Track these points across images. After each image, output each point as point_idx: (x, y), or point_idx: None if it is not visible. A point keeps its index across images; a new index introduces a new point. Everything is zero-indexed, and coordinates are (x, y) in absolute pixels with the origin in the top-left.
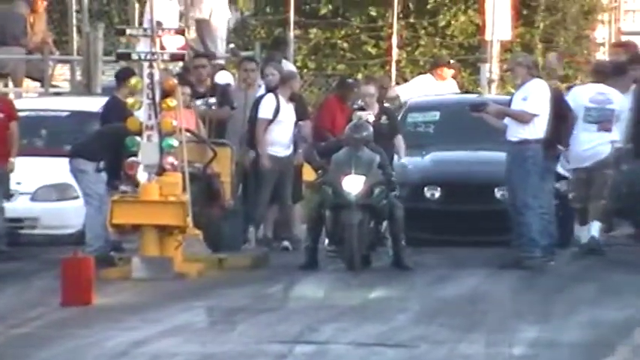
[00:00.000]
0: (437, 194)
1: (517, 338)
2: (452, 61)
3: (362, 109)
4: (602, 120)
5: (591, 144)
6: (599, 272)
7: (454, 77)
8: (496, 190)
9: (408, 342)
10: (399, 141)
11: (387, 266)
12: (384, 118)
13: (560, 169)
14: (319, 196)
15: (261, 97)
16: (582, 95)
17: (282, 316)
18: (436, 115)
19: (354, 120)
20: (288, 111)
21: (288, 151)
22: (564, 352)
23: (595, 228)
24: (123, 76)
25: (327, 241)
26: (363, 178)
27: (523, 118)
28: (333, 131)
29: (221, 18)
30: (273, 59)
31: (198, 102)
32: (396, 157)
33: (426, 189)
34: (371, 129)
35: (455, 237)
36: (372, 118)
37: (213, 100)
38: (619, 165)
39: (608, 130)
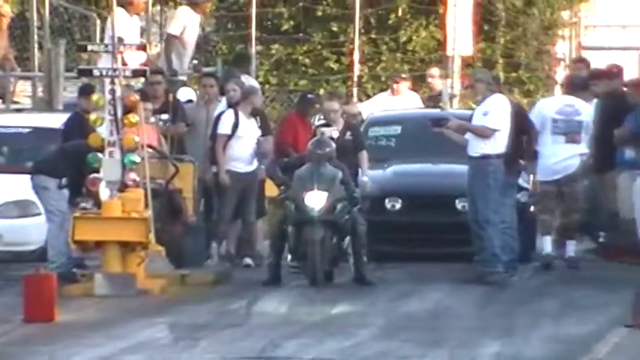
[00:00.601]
0: (397, 206)
1: (480, 353)
2: (403, 75)
3: (326, 125)
4: (570, 131)
5: (560, 157)
6: (561, 287)
7: (413, 89)
8: (457, 201)
9: (371, 357)
10: (363, 157)
11: (350, 282)
12: (348, 134)
13: (520, 181)
14: (282, 211)
15: (221, 113)
16: (548, 107)
17: (246, 332)
18: (397, 129)
19: (317, 136)
20: (248, 126)
21: (251, 167)
22: None
23: (571, 248)
24: (83, 92)
25: (289, 256)
26: (326, 194)
27: (484, 133)
28: (296, 147)
29: (192, 35)
30: (233, 75)
31: (153, 119)
32: (360, 171)
33: (387, 201)
34: (333, 145)
35: (416, 249)
36: (336, 134)
37: (165, 116)
38: (583, 179)
39: (577, 142)
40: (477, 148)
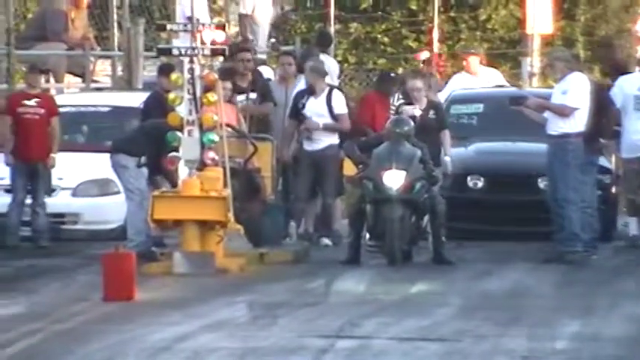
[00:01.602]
0: (480, 184)
1: (559, 332)
2: (472, 50)
3: (409, 103)
4: None
5: None
6: None
7: (493, 67)
8: (539, 180)
9: (450, 336)
10: (446, 136)
11: (428, 261)
12: (431, 113)
13: (603, 162)
14: (360, 190)
15: (298, 92)
16: (631, 84)
17: (324, 311)
18: (480, 107)
19: (398, 114)
20: (315, 105)
21: (318, 145)
22: (607, 346)
23: None
24: (162, 71)
25: (367, 235)
26: (404, 173)
27: (563, 112)
28: (374, 126)
29: (264, 13)
30: (311, 54)
31: (240, 97)
32: (442, 151)
33: (469, 179)
34: (412, 124)
35: (497, 227)
36: (418, 113)
37: (254, 95)
38: None
39: None
40: (556, 126)
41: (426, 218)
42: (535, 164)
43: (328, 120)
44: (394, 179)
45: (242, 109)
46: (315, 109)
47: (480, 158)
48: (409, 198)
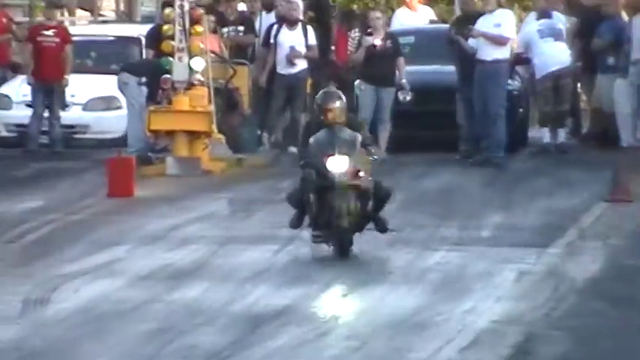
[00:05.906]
0: (408, 97)
1: (485, 223)
2: None
3: (370, 34)
4: (554, 34)
5: (553, 52)
6: (552, 168)
7: (422, 2)
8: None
9: (394, 226)
10: (401, 62)
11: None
12: (388, 42)
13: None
14: (301, 179)
15: (270, 25)
16: (531, 25)
17: None
18: (411, 39)
19: (362, 43)
20: (287, 35)
21: (293, 70)
22: (524, 234)
23: (562, 135)
24: (165, 6)
25: (312, 226)
26: (347, 158)
27: (501, 41)
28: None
29: None
30: None
31: (228, 29)
32: (398, 74)
33: (399, 93)
34: (343, 97)
35: (422, 132)
36: (378, 42)
37: (241, 27)
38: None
39: (564, 41)
40: (491, 53)
41: (370, 203)
42: (454, 81)
43: (303, 49)
44: (338, 165)
45: (230, 39)
46: (291, 40)
47: (408, 77)
48: (355, 184)
